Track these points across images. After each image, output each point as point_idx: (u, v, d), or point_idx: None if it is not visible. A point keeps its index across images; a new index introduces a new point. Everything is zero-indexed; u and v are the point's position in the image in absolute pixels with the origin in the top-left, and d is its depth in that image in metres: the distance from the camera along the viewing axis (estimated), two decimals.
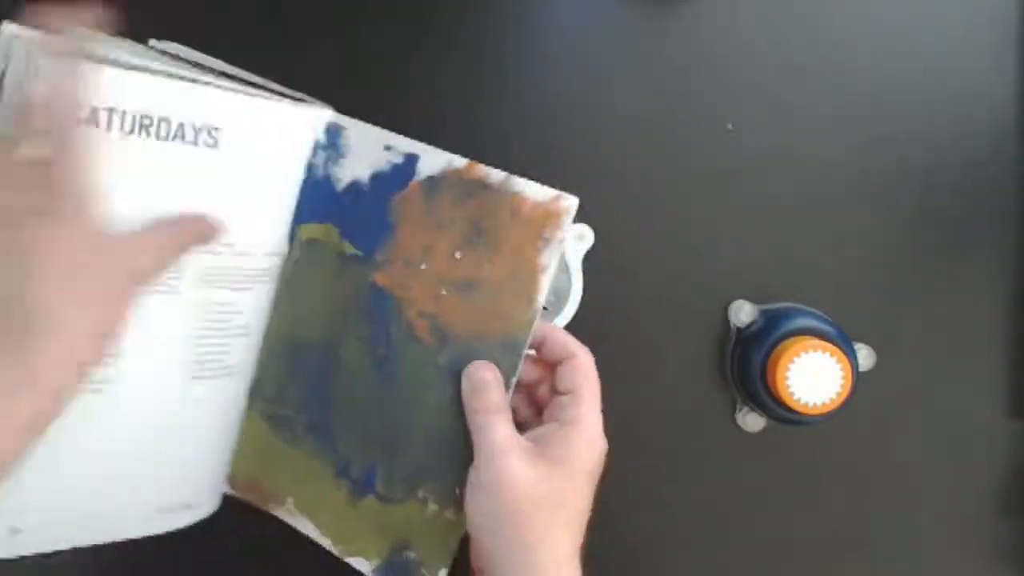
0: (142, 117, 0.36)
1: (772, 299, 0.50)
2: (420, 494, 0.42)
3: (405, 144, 0.42)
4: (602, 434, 0.40)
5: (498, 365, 0.41)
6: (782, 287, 0.50)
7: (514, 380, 0.41)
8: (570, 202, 0.40)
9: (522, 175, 0.51)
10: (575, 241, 0.49)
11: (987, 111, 0.50)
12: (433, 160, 0.42)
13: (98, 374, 0.37)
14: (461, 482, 0.40)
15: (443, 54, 0.50)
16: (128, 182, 0.37)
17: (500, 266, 0.41)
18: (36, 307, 0.31)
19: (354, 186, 0.43)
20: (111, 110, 0.36)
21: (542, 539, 0.37)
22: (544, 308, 0.48)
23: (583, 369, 0.40)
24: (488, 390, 0.40)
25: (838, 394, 0.45)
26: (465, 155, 0.51)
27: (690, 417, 0.51)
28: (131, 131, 0.36)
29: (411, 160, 0.42)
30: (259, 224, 0.42)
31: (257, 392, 0.45)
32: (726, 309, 0.50)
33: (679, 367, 0.50)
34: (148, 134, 0.37)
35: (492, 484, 0.38)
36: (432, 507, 0.42)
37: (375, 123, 0.49)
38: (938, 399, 0.51)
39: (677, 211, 0.49)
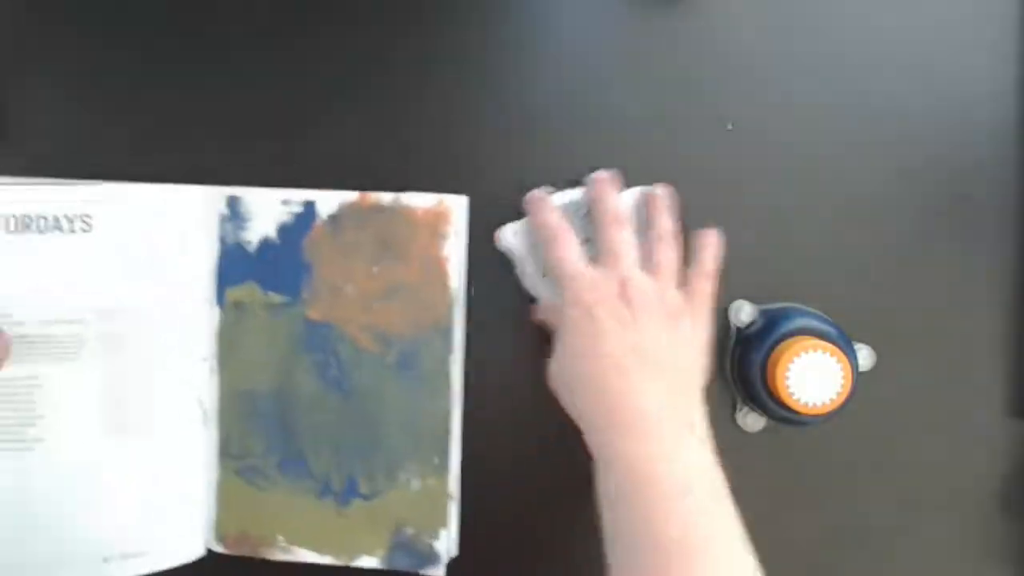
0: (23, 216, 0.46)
1: (772, 299, 0.50)
2: (402, 477, 0.48)
3: (299, 195, 0.48)
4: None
5: (435, 347, 0.48)
6: (782, 287, 0.50)
7: (453, 355, 0.48)
8: (453, 201, 0.47)
9: (522, 175, 0.51)
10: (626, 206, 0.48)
11: (987, 111, 0.50)
12: (328, 201, 0.48)
13: (29, 432, 0.45)
14: (437, 451, 0.47)
15: (443, 54, 0.50)
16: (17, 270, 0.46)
17: (413, 268, 0.47)
18: None
19: (265, 243, 0.48)
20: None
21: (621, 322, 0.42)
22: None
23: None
24: (550, 217, 0.46)
25: (838, 394, 0.45)
26: (466, 153, 0.51)
27: None
28: (14, 230, 0.46)
29: (309, 206, 0.48)
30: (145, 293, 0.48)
31: (225, 452, 0.49)
32: (726, 309, 0.50)
33: None
34: (30, 230, 0.46)
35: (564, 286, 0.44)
36: (415, 483, 0.48)
37: (376, 124, 0.50)
38: (938, 399, 0.51)
39: (677, 211, 0.49)
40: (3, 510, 0.42)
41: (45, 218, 0.46)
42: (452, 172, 0.49)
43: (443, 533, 0.48)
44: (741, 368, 0.48)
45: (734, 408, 0.50)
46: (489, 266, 0.49)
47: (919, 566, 0.51)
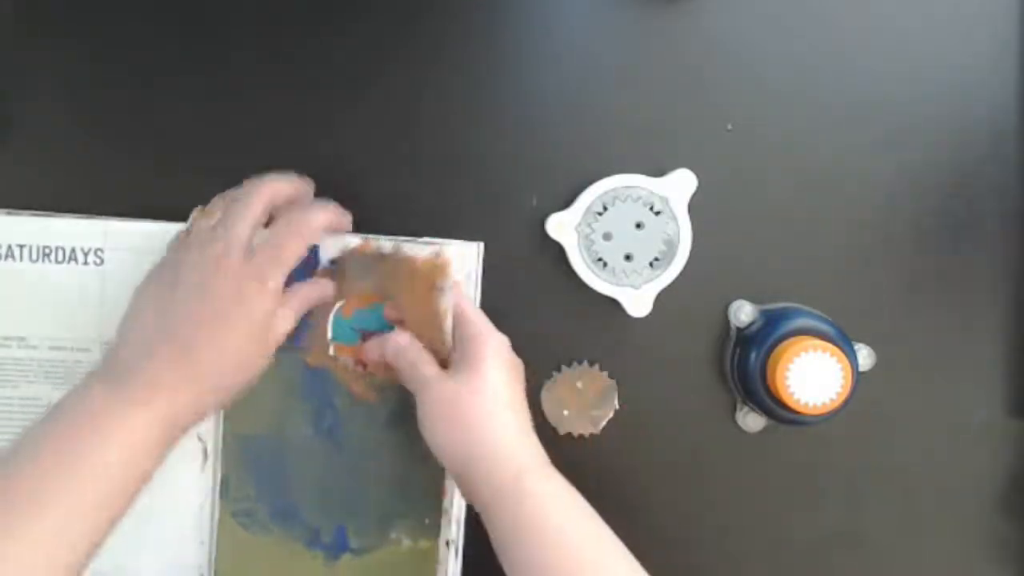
0: (43, 247, 0.48)
1: (772, 299, 0.50)
2: (393, 535, 0.48)
3: None
4: (500, 334, 0.45)
5: None
6: (782, 287, 0.50)
7: None
8: (449, 253, 0.47)
9: (522, 174, 0.51)
10: (676, 188, 0.48)
11: (987, 111, 0.50)
12: (332, 245, 0.47)
13: None
14: (429, 512, 0.47)
15: (443, 53, 0.50)
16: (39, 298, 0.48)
17: (411, 320, 0.46)
18: None
19: None
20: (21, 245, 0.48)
21: (485, 422, 0.42)
22: (656, 259, 0.48)
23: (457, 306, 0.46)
24: (408, 350, 0.45)
25: (838, 394, 0.45)
26: (466, 154, 0.50)
27: (690, 417, 0.51)
28: (35, 259, 0.48)
29: (312, 251, 0.47)
30: None
31: (224, 494, 0.48)
32: (726, 309, 0.50)
33: (679, 367, 0.50)
34: (48, 260, 0.48)
35: (431, 407, 0.43)
36: (406, 543, 0.47)
37: (377, 123, 0.50)
38: (938, 399, 0.51)
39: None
40: None
41: (63, 249, 0.48)
42: (451, 174, 0.50)
43: None
44: (741, 368, 0.48)
45: (734, 408, 0.50)
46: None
47: (919, 566, 0.51)
